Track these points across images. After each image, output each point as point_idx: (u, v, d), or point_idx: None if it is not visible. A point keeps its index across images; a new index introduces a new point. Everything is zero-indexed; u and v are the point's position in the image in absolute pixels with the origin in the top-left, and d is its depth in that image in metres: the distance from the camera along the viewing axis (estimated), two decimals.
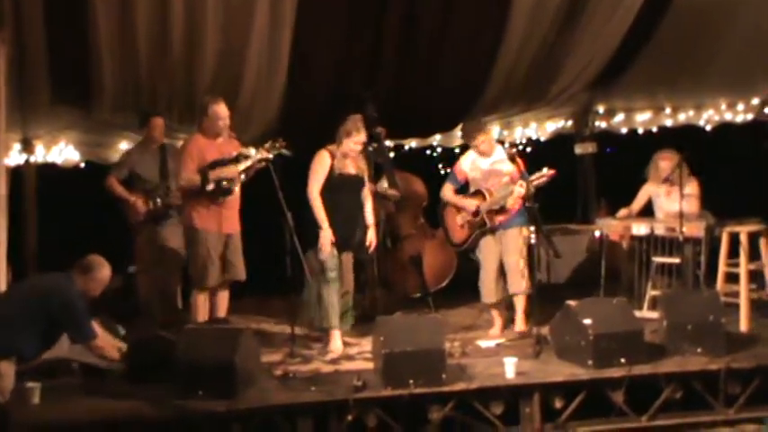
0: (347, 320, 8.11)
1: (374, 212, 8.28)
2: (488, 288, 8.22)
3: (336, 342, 7.85)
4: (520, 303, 8.21)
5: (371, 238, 8.13)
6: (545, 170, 7.85)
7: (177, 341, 6.87)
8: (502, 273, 8.20)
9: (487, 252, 8.23)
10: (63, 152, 9.59)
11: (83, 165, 9.83)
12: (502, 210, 8.12)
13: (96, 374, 7.18)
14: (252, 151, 8.26)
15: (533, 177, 7.86)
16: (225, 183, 7.83)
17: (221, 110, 7.93)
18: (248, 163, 7.88)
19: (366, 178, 8.15)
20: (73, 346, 7.32)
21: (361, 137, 7.86)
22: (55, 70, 8.55)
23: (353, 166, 7.96)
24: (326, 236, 7.77)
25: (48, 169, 9.67)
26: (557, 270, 9.63)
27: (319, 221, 7.78)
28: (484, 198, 8.19)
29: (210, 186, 7.78)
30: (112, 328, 7.92)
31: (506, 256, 8.15)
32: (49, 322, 6.61)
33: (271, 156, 7.82)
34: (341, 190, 7.88)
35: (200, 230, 7.87)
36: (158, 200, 8.78)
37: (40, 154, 9.55)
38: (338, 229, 7.83)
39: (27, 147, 9.44)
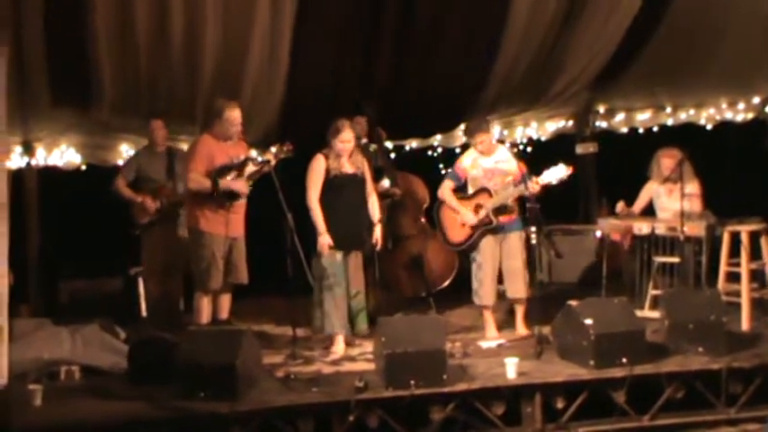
0: (362, 320, 8.04)
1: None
2: (487, 290, 8.16)
3: (339, 345, 7.87)
4: (520, 308, 8.21)
5: (378, 235, 8.09)
6: (562, 168, 7.85)
7: (179, 343, 6.88)
8: (499, 275, 8.18)
9: (488, 254, 8.16)
10: (64, 155, 9.59)
11: (84, 167, 9.81)
12: (505, 209, 8.10)
13: (98, 376, 7.19)
14: (256, 154, 8.23)
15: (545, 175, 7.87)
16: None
17: (236, 115, 7.91)
18: (255, 167, 7.85)
19: (366, 175, 8.10)
20: (74, 348, 7.36)
21: (348, 134, 7.82)
22: (55, 72, 8.54)
23: (350, 164, 7.95)
24: (324, 241, 7.77)
25: (49, 172, 9.66)
26: (558, 270, 9.62)
27: (318, 227, 7.79)
28: (490, 196, 8.15)
29: (219, 192, 7.77)
30: (113, 331, 7.94)
31: (508, 260, 8.11)
32: None
33: (276, 161, 7.79)
34: (341, 190, 7.87)
35: (206, 233, 7.85)
36: (164, 199, 8.76)
37: (41, 157, 9.54)
38: (343, 229, 7.83)
39: (28, 150, 9.45)
